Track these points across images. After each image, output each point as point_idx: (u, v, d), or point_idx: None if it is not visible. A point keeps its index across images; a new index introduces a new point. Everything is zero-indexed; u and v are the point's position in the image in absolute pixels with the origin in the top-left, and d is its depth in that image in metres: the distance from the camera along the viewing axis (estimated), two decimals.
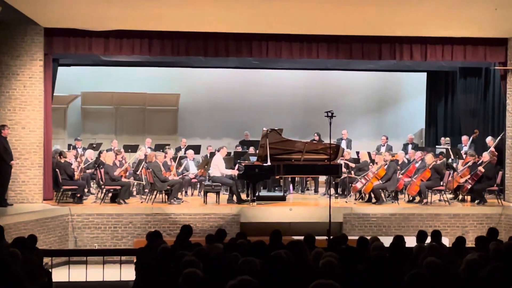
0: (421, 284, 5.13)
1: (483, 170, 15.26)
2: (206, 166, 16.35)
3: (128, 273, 9.38)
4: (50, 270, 9.23)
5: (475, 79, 18.71)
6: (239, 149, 18.46)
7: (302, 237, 8.21)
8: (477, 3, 13.03)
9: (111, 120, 21.05)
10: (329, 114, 12.40)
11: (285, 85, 21.46)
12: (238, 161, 16.44)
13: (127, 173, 15.76)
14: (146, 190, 15.84)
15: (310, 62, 17.37)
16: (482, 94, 18.52)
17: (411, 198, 15.73)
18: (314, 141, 17.66)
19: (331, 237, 10.34)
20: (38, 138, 15.05)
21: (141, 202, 15.29)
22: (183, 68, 19.93)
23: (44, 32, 15.04)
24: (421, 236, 8.77)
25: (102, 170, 14.98)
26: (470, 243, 11.08)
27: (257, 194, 15.33)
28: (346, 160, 16.39)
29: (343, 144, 18.13)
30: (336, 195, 16.03)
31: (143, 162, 15.96)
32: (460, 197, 15.96)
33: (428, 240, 8.70)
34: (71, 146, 18.07)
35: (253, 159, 15.86)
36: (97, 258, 10.86)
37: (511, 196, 15.90)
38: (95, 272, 10.15)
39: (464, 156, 16.50)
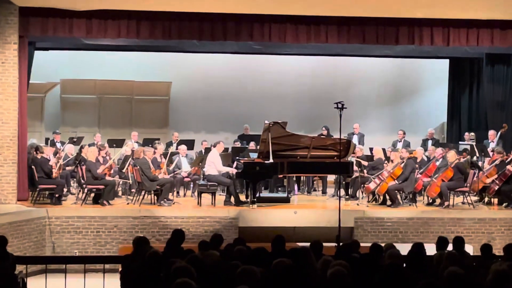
0: None
1: None
2: (200, 164, 16.34)
3: (113, 283, 9.36)
4: (24, 279, 9.23)
5: (503, 67, 18.69)
6: (238, 144, 18.44)
7: (308, 244, 8.21)
8: None
9: (94, 111, 21.03)
10: (339, 106, 12.37)
11: (290, 72, 21.43)
12: (237, 158, 16.44)
13: (112, 171, 15.74)
14: (133, 190, 15.83)
15: (318, 47, 17.34)
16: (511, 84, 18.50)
17: (430, 201, 15.72)
18: (322, 136, 17.63)
19: (341, 243, 10.33)
20: (12, 131, 15.03)
21: (128, 204, 15.28)
22: (175, 53, 19.91)
23: (19, 11, 15.00)
24: (441, 243, 8.75)
25: (84, 168, 14.97)
26: (497, 251, 11.07)
27: (257, 195, 15.33)
28: (358, 157, 16.37)
29: (355, 140, 18.11)
30: (347, 196, 16.00)
31: (130, 159, 15.94)
32: (486, 199, 15.94)
33: (450, 247, 8.69)
34: (49, 140, 18.05)
35: (254, 155, 15.85)
36: (77, 266, 10.84)
37: None
38: (75, 282, 10.14)
39: (490, 153, 16.48)
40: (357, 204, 15.49)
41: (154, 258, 6.95)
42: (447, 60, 21.04)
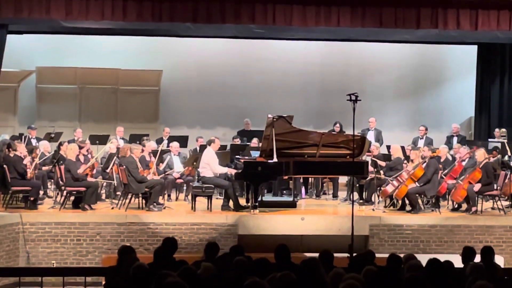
0: None
1: None
2: (194, 163, 16.33)
3: None
4: None
5: None
6: (238, 141, 18.44)
7: (316, 254, 8.20)
8: None
9: (74, 103, 21.01)
10: (353, 98, 12.37)
11: (297, 60, 21.41)
12: (236, 156, 16.43)
13: (94, 171, 15.74)
14: (118, 193, 15.83)
15: (328, 31, 17.32)
16: None
17: (456, 206, 15.71)
18: (333, 132, 17.62)
19: (354, 254, 10.33)
20: None
21: (112, 208, 15.30)
22: (167, 38, 19.90)
23: None
24: (467, 253, 8.73)
25: (62, 167, 14.97)
26: None
27: (259, 199, 15.33)
28: (373, 156, 16.37)
29: (371, 136, 18.09)
30: (361, 201, 15.99)
31: (115, 157, 15.94)
32: None
33: (478, 259, 8.67)
34: (23, 136, 18.03)
35: (255, 154, 15.84)
36: (55, 279, 10.84)
37: None
38: None
39: None
40: (373, 210, 15.50)
41: (139, 273, 6.94)
42: (475, 47, 21.01)
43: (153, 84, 21.24)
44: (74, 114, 20.96)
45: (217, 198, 15.94)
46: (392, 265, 7.92)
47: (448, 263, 7.78)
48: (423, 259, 8.05)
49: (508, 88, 20.27)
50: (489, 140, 18.88)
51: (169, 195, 16.60)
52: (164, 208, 15.24)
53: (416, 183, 15.14)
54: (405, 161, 16.28)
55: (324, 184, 18.04)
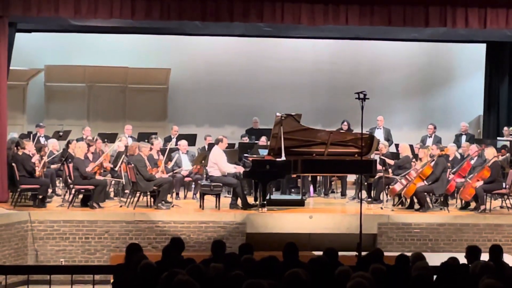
0: None
1: None
2: (203, 161, 16.34)
3: None
4: None
5: None
6: (246, 139, 18.44)
7: None
8: None
9: (83, 101, 21.04)
10: (361, 96, 12.34)
11: (305, 59, 21.40)
12: (244, 155, 16.43)
13: (103, 170, 15.76)
14: (127, 191, 15.85)
15: (337, 29, 17.32)
16: None
17: (464, 204, 15.68)
18: (342, 131, 17.61)
19: (363, 252, 10.33)
20: None
21: (120, 206, 15.32)
22: (175, 36, 19.91)
23: None
24: (471, 252, 8.68)
25: (71, 165, 14.98)
26: None
27: (267, 198, 15.32)
28: (382, 155, 16.35)
29: (379, 134, 18.07)
30: (369, 199, 15.97)
31: (123, 156, 15.96)
32: None
33: (486, 257, 8.64)
34: (32, 135, 18.07)
35: (264, 152, 15.84)
36: (63, 277, 10.86)
37: None
38: None
39: None
40: (381, 208, 15.49)
41: (147, 271, 6.95)
42: (484, 45, 20.96)
43: (161, 83, 21.26)
44: (83, 112, 21.00)
45: (225, 197, 15.93)
46: (400, 263, 7.92)
47: (456, 262, 7.77)
48: (432, 257, 8.06)
49: None
50: (498, 138, 18.84)
51: (177, 194, 16.60)
52: (173, 206, 15.25)
53: (425, 181, 15.13)
54: (414, 160, 16.26)
55: (333, 183, 18.02)
